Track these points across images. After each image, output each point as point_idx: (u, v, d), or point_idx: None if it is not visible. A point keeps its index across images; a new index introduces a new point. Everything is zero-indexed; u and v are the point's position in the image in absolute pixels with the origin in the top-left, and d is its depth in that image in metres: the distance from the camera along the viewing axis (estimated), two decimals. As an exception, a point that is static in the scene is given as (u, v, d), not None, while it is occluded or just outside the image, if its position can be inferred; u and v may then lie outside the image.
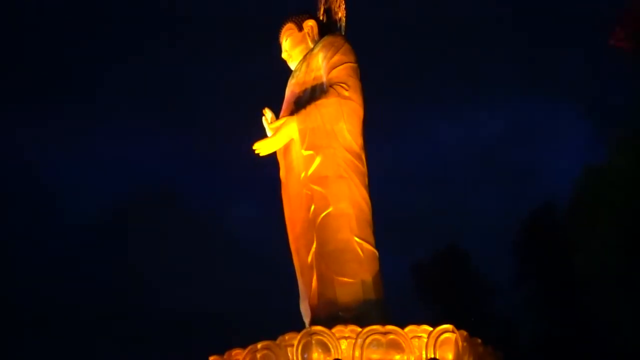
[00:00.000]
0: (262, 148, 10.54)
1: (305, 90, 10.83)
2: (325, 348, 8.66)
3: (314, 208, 10.12)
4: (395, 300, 10.98)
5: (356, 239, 9.99)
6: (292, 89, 11.06)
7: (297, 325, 10.05)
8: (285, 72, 11.61)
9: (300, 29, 11.37)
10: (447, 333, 9.04)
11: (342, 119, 10.38)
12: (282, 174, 10.84)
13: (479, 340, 9.59)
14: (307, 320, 10.05)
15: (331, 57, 10.71)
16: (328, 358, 8.62)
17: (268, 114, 10.74)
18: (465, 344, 9.16)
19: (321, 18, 11.80)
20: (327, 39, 11.05)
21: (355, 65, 10.78)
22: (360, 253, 9.94)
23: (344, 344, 8.75)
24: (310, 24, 11.38)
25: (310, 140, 10.33)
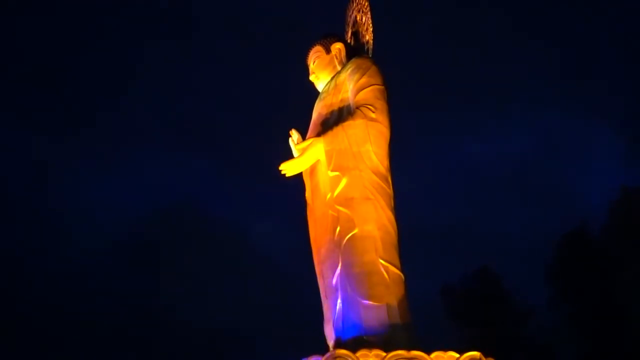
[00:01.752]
0: (288, 169, 10.55)
1: (332, 112, 10.85)
2: (349, 372, 8.56)
3: (340, 229, 10.05)
4: (424, 323, 10.83)
5: (382, 261, 9.87)
6: (319, 110, 11.09)
7: (320, 346, 9.99)
8: (310, 90, 11.66)
9: (328, 51, 11.44)
10: (474, 360, 8.86)
11: (368, 141, 10.34)
12: (308, 194, 10.81)
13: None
14: (331, 343, 9.95)
15: (358, 79, 10.71)
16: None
17: (295, 135, 10.77)
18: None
19: (349, 41, 11.86)
20: (355, 61, 11.06)
21: (382, 87, 10.75)
22: (386, 276, 9.81)
23: (367, 369, 8.64)
24: (337, 46, 11.44)
25: (337, 162, 10.30)
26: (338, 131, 10.39)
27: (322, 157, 10.46)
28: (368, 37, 11.46)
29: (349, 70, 10.94)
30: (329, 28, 12.05)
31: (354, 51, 11.54)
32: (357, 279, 9.78)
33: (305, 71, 11.73)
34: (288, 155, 10.79)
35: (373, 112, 10.44)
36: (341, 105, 10.80)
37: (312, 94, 11.64)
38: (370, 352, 8.86)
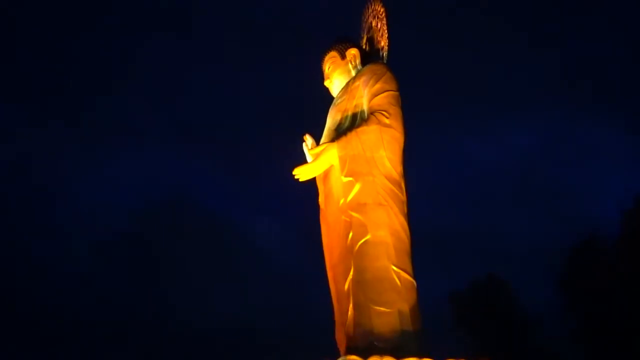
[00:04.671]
0: (302, 173, 10.60)
1: (346, 118, 10.89)
2: (360, 379, 8.58)
3: (352, 235, 10.07)
4: (433, 330, 10.82)
5: (394, 267, 9.88)
6: (333, 116, 11.13)
7: (331, 351, 9.99)
8: (309, 89, 11.69)
9: (343, 57, 11.49)
10: (485, 368, 8.86)
11: (382, 147, 10.37)
12: (321, 200, 10.86)
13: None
14: (342, 348, 9.95)
15: (373, 85, 10.75)
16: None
17: (309, 140, 10.85)
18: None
19: (364, 47, 11.90)
20: (370, 67, 11.11)
21: (396, 93, 10.78)
22: (398, 282, 9.82)
23: (379, 375, 8.65)
24: (353, 52, 11.49)
25: (350, 167, 10.33)
26: (352, 137, 10.43)
27: (336, 163, 10.50)
28: (383, 43, 11.49)
29: (364, 76, 10.99)
30: (330, 29, 12.05)
31: (368, 57, 11.59)
32: (369, 285, 9.79)
33: (318, 74, 11.79)
34: (290, 153, 10.90)
35: (387, 117, 10.48)
36: (355, 110, 10.85)
37: (311, 93, 11.71)
38: (382, 358, 8.88)
